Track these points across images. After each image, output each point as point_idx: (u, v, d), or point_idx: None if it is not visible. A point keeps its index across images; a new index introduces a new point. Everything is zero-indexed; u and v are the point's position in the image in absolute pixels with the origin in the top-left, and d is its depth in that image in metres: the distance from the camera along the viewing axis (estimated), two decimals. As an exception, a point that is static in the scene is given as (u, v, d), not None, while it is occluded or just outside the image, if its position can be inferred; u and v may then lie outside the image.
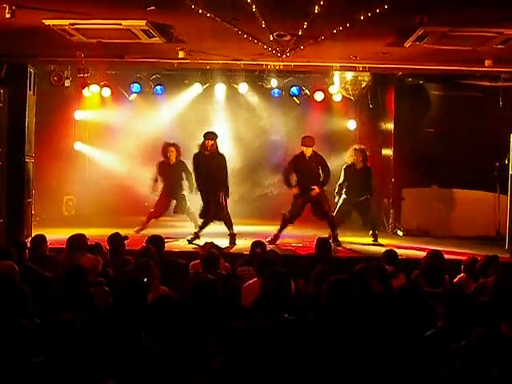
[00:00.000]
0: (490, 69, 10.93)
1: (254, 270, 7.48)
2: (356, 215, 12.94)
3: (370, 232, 12.63)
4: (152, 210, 12.97)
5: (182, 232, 12.35)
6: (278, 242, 11.76)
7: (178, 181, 12.84)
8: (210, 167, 11.60)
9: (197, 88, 15.39)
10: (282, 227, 11.98)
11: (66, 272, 6.20)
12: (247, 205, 15.88)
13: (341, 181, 12.63)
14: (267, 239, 11.22)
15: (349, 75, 14.16)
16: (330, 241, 11.20)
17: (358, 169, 12.54)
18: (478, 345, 4.54)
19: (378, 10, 7.58)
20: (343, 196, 12.61)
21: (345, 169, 12.63)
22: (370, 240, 12.53)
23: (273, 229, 13.50)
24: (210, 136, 11.71)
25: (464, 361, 4.48)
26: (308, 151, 11.85)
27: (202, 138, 11.72)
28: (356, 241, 12.47)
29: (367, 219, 12.78)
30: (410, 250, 11.38)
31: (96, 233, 10.43)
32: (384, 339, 4.78)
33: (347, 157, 12.73)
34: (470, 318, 4.99)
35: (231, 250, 10.79)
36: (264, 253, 8.25)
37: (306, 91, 15.43)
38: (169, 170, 12.91)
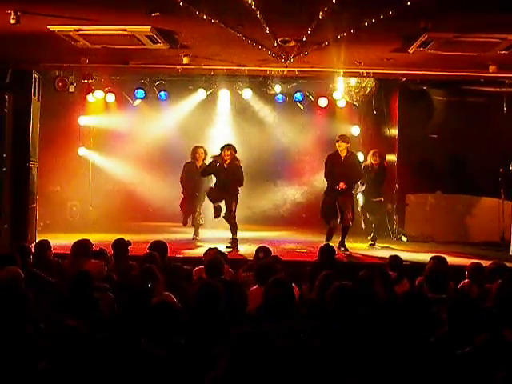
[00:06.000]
0: (494, 74, 10.93)
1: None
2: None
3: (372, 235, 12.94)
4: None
5: (185, 237, 12.37)
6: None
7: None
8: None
9: (201, 94, 15.42)
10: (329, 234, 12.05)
11: (72, 277, 6.20)
12: (250, 210, 15.89)
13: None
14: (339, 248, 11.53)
15: (353, 81, 14.16)
16: (337, 246, 11.33)
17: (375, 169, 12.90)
18: (482, 351, 4.53)
19: (382, 16, 7.59)
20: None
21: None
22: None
23: (276, 234, 13.53)
24: (227, 147, 12.06)
25: (468, 367, 4.47)
26: (343, 150, 11.98)
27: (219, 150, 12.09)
28: (360, 246, 12.48)
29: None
30: (414, 254, 11.37)
31: (100, 238, 10.43)
32: (388, 345, 4.77)
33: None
34: (474, 324, 4.98)
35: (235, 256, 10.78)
36: (264, 259, 8.21)
37: (310, 97, 15.46)
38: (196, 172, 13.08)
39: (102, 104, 15.64)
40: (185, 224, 13.09)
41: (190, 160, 13.23)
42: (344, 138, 12.12)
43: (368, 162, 12.99)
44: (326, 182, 12.14)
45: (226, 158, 11.86)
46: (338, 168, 11.93)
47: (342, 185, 11.73)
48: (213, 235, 12.89)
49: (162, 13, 7.93)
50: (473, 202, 13.85)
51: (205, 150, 13.17)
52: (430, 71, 11.50)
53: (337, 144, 12.05)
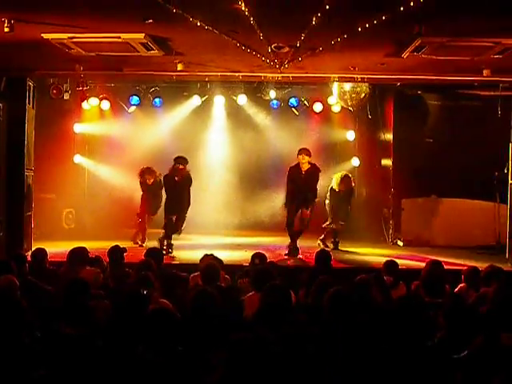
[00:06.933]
0: (488, 78, 10.96)
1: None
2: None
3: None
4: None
5: (180, 244, 12.35)
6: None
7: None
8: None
9: (195, 100, 15.42)
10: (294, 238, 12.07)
11: (68, 285, 6.18)
12: (245, 216, 15.88)
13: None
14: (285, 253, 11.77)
15: (347, 86, 14.19)
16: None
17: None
18: (478, 355, 4.52)
19: (375, 22, 7.60)
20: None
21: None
22: (370, 250, 12.61)
23: (271, 240, 13.51)
24: (181, 161, 12.07)
25: (465, 371, 4.47)
26: (305, 164, 11.90)
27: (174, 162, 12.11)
28: (356, 251, 12.49)
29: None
30: (410, 260, 11.37)
31: (96, 246, 10.41)
32: (385, 350, 4.77)
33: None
34: (471, 328, 4.98)
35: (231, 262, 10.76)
36: (260, 265, 8.19)
37: (305, 102, 15.48)
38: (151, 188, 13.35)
39: (97, 111, 15.66)
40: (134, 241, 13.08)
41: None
42: (307, 152, 11.97)
43: (334, 186, 13.11)
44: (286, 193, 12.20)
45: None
46: (298, 182, 11.91)
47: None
48: (208, 242, 12.88)
49: (156, 20, 7.95)
50: (468, 205, 13.86)
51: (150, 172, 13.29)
52: (424, 76, 11.52)
53: (300, 157, 11.95)
